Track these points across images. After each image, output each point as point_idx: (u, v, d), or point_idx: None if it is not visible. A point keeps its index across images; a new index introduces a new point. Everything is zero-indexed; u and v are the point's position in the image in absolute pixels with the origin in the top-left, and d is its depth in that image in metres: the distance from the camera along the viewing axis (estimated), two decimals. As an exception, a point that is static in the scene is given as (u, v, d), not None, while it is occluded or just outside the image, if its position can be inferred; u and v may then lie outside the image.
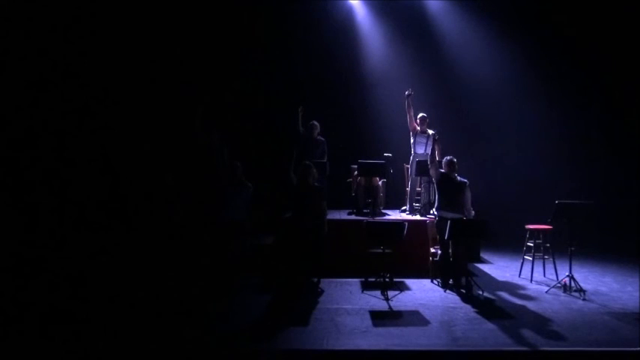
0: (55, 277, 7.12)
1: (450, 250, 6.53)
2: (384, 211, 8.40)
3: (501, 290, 6.64)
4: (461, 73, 10.12)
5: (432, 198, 7.66)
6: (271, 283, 6.92)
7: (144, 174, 6.82)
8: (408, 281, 6.95)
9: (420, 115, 8.33)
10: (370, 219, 7.44)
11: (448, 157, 6.79)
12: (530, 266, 7.12)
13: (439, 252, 6.80)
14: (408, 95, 8.16)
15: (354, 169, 8.39)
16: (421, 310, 5.79)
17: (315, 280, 6.71)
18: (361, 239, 6.74)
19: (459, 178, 6.79)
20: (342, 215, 8.18)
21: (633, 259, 7.89)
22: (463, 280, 6.53)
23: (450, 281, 6.64)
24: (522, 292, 6.57)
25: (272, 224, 8.34)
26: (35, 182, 9.30)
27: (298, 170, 6.78)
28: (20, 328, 5.19)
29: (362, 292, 6.49)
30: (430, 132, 8.20)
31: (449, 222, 6.30)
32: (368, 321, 5.42)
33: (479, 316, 5.59)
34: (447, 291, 6.52)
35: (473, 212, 6.85)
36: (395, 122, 9.25)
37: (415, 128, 8.22)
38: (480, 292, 6.40)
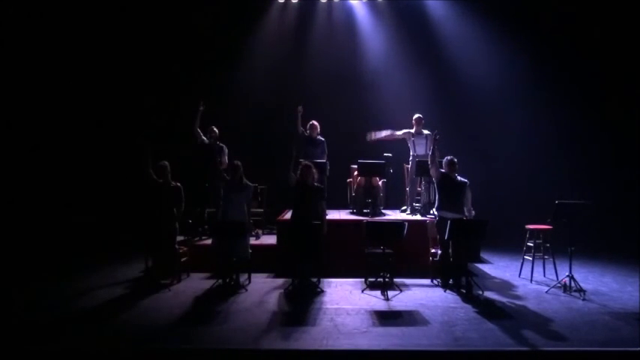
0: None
1: (450, 250, 6.53)
2: (384, 211, 8.40)
3: (501, 290, 6.63)
4: (461, 72, 10.12)
5: (432, 198, 7.66)
6: (272, 282, 6.93)
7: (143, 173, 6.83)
8: (408, 281, 6.95)
9: (416, 115, 8.33)
10: (370, 219, 7.44)
11: (449, 157, 6.78)
12: (530, 266, 7.12)
13: (439, 252, 6.80)
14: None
15: (354, 169, 8.39)
16: (421, 310, 5.79)
17: (315, 280, 6.71)
18: (361, 239, 6.74)
19: (459, 178, 6.78)
20: (342, 215, 8.18)
21: (633, 259, 7.89)
22: (463, 280, 6.53)
23: (450, 281, 6.63)
24: (522, 292, 6.57)
25: (272, 224, 8.36)
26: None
27: (298, 170, 6.78)
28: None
29: (362, 292, 6.49)
30: (425, 132, 8.22)
31: (449, 222, 6.29)
32: (368, 321, 5.41)
33: (479, 316, 5.59)
34: (447, 291, 6.52)
35: (473, 212, 6.85)
36: (395, 122, 9.23)
37: (410, 135, 8.24)
38: (480, 292, 6.39)
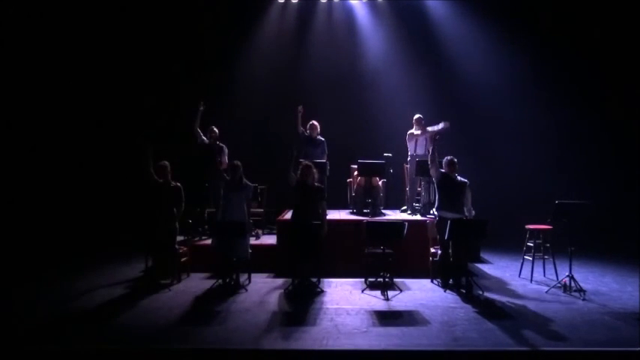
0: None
1: (450, 250, 6.53)
2: (384, 211, 8.40)
3: (501, 290, 6.63)
4: (460, 72, 10.12)
5: (432, 198, 7.65)
6: (272, 282, 6.93)
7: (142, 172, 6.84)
8: (408, 281, 6.95)
9: (416, 116, 8.33)
10: (370, 219, 7.44)
11: (448, 157, 6.78)
12: (530, 266, 7.12)
13: (439, 252, 6.80)
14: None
15: (354, 169, 8.39)
16: (421, 310, 5.79)
17: (315, 280, 6.71)
18: (361, 239, 6.74)
19: (459, 178, 6.78)
20: (342, 215, 8.18)
21: (633, 259, 7.89)
22: (463, 280, 6.52)
23: (450, 281, 6.63)
24: (522, 292, 6.57)
25: (272, 224, 8.36)
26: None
27: (298, 170, 6.77)
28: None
29: (362, 292, 6.49)
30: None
31: (449, 222, 6.29)
32: (368, 321, 5.42)
33: (479, 316, 5.59)
34: (447, 291, 6.52)
35: (473, 212, 6.84)
36: (395, 122, 9.25)
37: (414, 136, 8.23)
38: (480, 292, 6.39)
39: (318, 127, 8.49)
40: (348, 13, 10.39)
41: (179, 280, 6.90)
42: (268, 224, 8.62)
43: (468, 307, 5.91)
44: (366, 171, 8.01)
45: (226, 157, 8.08)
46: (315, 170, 6.76)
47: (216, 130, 8.22)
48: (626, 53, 9.35)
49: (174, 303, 6.01)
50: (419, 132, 8.27)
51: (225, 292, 6.38)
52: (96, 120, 9.87)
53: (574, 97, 9.86)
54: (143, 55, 9.87)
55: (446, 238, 6.41)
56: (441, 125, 7.76)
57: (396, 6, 10.30)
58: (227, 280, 6.58)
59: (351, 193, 8.56)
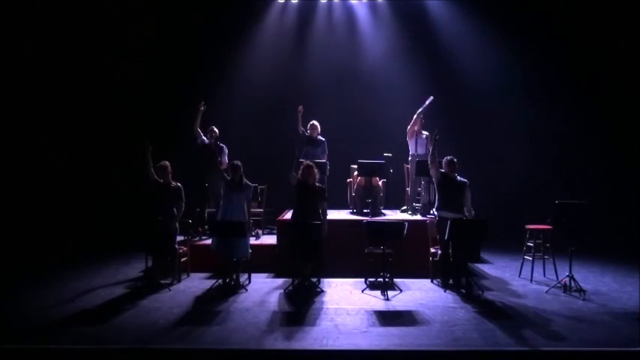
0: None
1: (450, 250, 6.53)
2: (384, 211, 8.40)
3: (501, 290, 6.63)
4: (461, 72, 10.11)
5: (432, 198, 7.66)
6: (272, 283, 6.93)
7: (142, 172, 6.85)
8: (408, 281, 6.95)
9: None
10: (370, 219, 7.44)
11: (448, 157, 6.78)
12: (530, 266, 7.12)
13: (439, 252, 6.80)
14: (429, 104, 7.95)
15: (354, 169, 8.39)
16: (421, 310, 5.79)
17: (315, 280, 6.72)
18: (361, 239, 6.74)
19: (459, 178, 6.78)
20: (342, 215, 8.18)
21: (633, 259, 7.89)
22: (463, 280, 6.53)
23: (450, 281, 6.63)
24: (522, 292, 6.57)
25: (272, 224, 8.37)
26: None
27: (299, 170, 6.77)
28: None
29: (362, 292, 6.49)
30: (425, 133, 8.23)
31: (449, 222, 6.30)
32: (368, 321, 5.42)
33: (479, 316, 5.59)
34: (447, 291, 6.52)
35: (473, 212, 6.84)
36: (395, 122, 9.26)
37: (414, 132, 8.25)
38: (480, 292, 6.39)
39: (319, 127, 8.48)
40: (348, 13, 10.39)
41: (179, 280, 6.91)
42: (268, 224, 8.63)
43: (468, 307, 5.91)
44: (366, 171, 8.01)
45: (226, 157, 8.09)
46: (316, 170, 6.76)
47: (216, 130, 8.22)
48: (626, 53, 9.34)
49: (174, 303, 6.01)
50: (418, 133, 8.29)
51: (225, 292, 6.38)
52: (96, 120, 9.87)
53: (575, 97, 9.84)
54: (143, 54, 9.87)
55: (446, 238, 6.42)
56: (427, 102, 8.28)
57: (396, 6, 10.30)
58: (227, 280, 6.59)
59: (351, 193, 8.56)
